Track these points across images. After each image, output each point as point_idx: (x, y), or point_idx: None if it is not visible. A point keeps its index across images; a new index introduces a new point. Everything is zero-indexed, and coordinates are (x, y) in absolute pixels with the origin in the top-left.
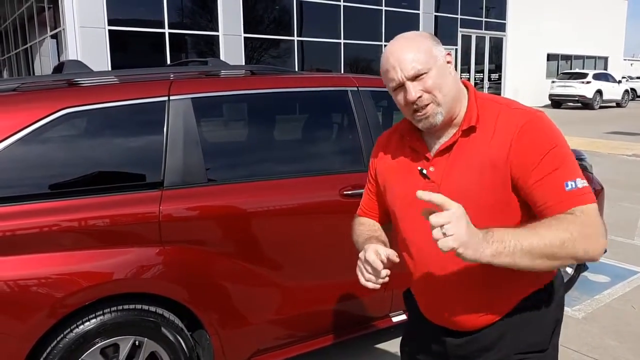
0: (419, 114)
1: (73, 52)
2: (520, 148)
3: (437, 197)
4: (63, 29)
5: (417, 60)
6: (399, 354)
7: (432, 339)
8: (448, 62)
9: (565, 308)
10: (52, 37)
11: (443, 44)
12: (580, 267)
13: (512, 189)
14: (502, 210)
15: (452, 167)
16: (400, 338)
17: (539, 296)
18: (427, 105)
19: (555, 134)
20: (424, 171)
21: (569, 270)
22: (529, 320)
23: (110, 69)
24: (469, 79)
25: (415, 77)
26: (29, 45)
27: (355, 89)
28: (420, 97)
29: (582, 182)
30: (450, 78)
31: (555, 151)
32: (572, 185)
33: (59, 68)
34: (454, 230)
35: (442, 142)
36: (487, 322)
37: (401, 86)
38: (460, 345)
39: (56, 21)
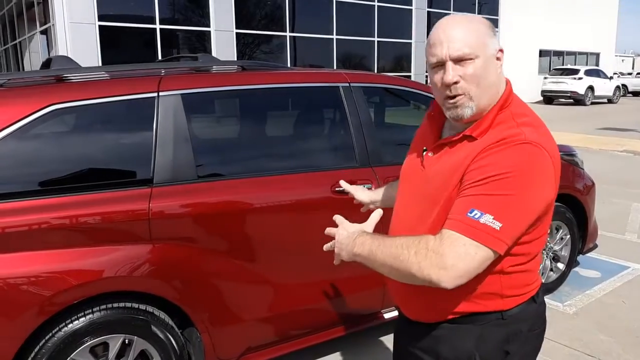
0: (449, 100)
1: (63, 48)
2: (481, 160)
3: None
4: (53, 25)
5: (466, 43)
6: (390, 350)
7: (399, 324)
8: (498, 59)
9: (557, 303)
10: (42, 33)
11: None
12: (572, 263)
13: None
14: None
15: (437, 163)
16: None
17: (487, 317)
18: (459, 95)
19: (523, 166)
20: (424, 153)
21: (560, 265)
22: (468, 335)
23: (100, 65)
24: None
25: (458, 60)
26: (18, 41)
27: (347, 84)
28: (456, 82)
29: (489, 220)
30: (494, 76)
31: (501, 180)
32: (475, 214)
33: (46, 64)
34: (337, 238)
35: (446, 136)
36: (426, 318)
37: (441, 65)
38: (408, 336)
39: (46, 17)
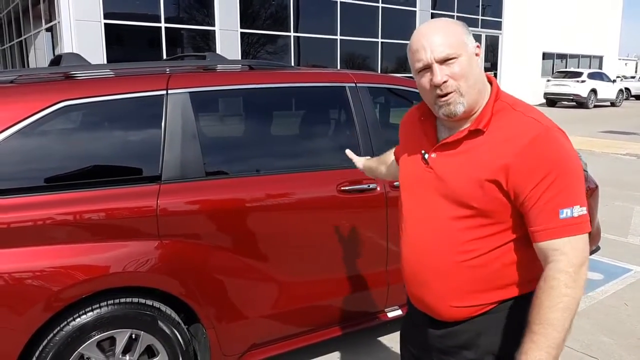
0: (441, 99)
1: (68, 45)
2: (525, 162)
3: None
4: (58, 22)
5: (448, 44)
6: (394, 348)
7: (419, 328)
8: (476, 55)
9: None
10: (47, 30)
11: None
12: None
13: (506, 198)
14: (488, 215)
15: (450, 162)
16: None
17: (523, 301)
18: (450, 92)
19: (564, 152)
20: (426, 156)
21: None
22: (507, 323)
23: (105, 63)
24: None
25: (443, 61)
26: (23, 38)
27: (353, 85)
28: (445, 82)
29: (579, 210)
30: (477, 70)
31: (559, 172)
32: (567, 213)
33: (56, 61)
34: None
35: (449, 135)
36: (464, 315)
37: (427, 68)
38: (439, 337)
39: (51, 14)
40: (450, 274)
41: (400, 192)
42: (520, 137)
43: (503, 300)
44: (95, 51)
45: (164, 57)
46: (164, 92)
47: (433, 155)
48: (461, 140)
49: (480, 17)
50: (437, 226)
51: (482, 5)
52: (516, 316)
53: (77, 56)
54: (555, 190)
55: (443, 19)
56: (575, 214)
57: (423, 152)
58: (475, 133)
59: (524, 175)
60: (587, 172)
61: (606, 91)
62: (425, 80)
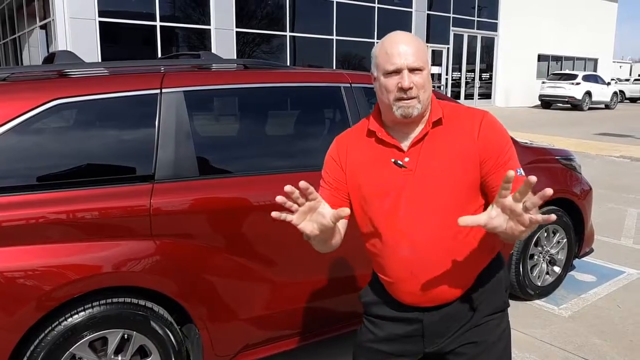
0: (403, 101)
1: (62, 43)
2: (485, 139)
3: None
4: (53, 20)
5: (419, 57)
6: None
7: (406, 324)
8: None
9: (552, 306)
10: (42, 27)
11: (435, 43)
12: (568, 266)
13: (478, 172)
14: (472, 188)
15: (425, 156)
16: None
17: (496, 263)
18: (413, 97)
19: (505, 131)
20: (399, 162)
21: (557, 269)
22: (492, 285)
23: (100, 61)
24: (460, 78)
25: (412, 70)
26: (17, 35)
27: (348, 85)
28: (411, 88)
29: (522, 171)
30: (430, 84)
31: (508, 146)
32: (520, 172)
33: (50, 58)
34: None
35: (415, 135)
36: (461, 293)
37: (396, 72)
38: (437, 322)
39: (45, 12)
40: (459, 256)
41: (366, 205)
42: (473, 121)
43: (486, 266)
44: (90, 49)
45: (159, 55)
46: (157, 91)
47: (406, 159)
48: (428, 133)
49: (476, 19)
50: (436, 218)
51: (477, 6)
52: (496, 273)
53: (70, 54)
54: (509, 157)
55: (411, 34)
56: (523, 173)
57: (394, 160)
58: (436, 123)
59: (489, 148)
60: (580, 174)
61: (601, 93)
62: (392, 82)
